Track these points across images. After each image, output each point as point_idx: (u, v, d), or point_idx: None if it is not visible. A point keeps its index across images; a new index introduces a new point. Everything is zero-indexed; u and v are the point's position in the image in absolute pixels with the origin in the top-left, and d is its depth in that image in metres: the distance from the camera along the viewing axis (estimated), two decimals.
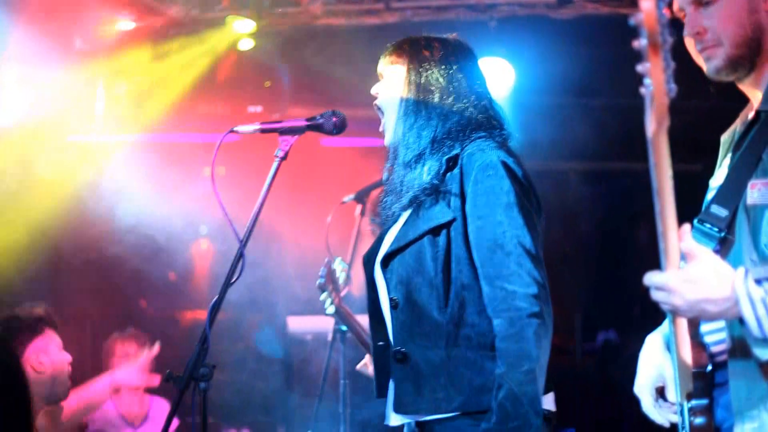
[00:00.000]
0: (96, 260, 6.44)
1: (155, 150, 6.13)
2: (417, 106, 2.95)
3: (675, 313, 2.07)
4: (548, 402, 2.83)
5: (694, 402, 2.27)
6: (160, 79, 6.21)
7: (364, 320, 3.47)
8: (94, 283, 6.50)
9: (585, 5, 5.77)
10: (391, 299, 2.89)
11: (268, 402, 6.30)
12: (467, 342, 2.77)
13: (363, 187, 4.83)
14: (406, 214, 2.96)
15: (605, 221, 6.71)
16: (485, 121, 2.95)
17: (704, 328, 2.36)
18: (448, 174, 2.88)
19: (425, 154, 2.91)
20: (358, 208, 4.86)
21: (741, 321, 2.07)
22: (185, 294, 6.92)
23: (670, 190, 1.99)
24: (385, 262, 2.93)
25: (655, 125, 1.96)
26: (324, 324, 4.86)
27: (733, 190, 2.32)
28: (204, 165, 6.17)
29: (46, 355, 3.97)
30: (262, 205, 2.92)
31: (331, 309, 4.03)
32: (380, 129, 3.07)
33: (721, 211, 2.31)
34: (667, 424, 2.57)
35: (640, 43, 1.93)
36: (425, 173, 2.89)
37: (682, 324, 2.11)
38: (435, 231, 2.84)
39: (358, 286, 5.03)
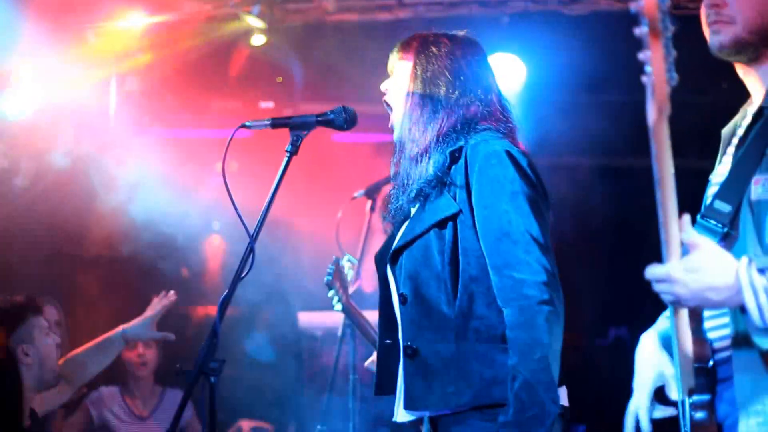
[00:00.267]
0: (108, 256, 6.46)
1: (168, 145, 6.14)
2: (423, 101, 2.95)
3: (678, 303, 2.06)
4: (561, 397, 2.79)
5: (695, 397, 2.25)
6: (173, 75, 6.22)
7: (372, 316, 3.47)
8: (106, 278, 6.51)
9: (598, 1, 5.76)
10: (400, 294, 2.89)
11: (279, 397, 6.30)
12: (477, 335, 2.76)
13: (373, 182, 4.83)
14: (414, 210, 2.96)
15: (618, 217, 6.67)
16: (491, 115, 2.95)
17: (708, 324, 2.34)
18: (453, 166, 2.87)
19: (431, 147, 2.91)
20: (369, 203, 4.86)
21: (743, 310, 2.07)
22: (198, 289, 6.92)
23: (672, 179, 1.98)
24: (394, 258, 2.93)
25: (656, 114, 1.95)
26: (334, 319, 4.86)
27: (736, 186, 2.30)
28: (216, 161, 6.15)
29: (30, 344, 3.98)
30: (272, 199, 2.93)
31: (338, 306, 4.04)
32: (389, 125, 3.08)
33: (725, 207, 2.29)
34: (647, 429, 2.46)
35: (641, 30, 1.92)
36: (431, 166, 2.89)
37: (684, 318, 2.10)
38: (441, 224, 2.83)
39: (369, 282, 5.04)
